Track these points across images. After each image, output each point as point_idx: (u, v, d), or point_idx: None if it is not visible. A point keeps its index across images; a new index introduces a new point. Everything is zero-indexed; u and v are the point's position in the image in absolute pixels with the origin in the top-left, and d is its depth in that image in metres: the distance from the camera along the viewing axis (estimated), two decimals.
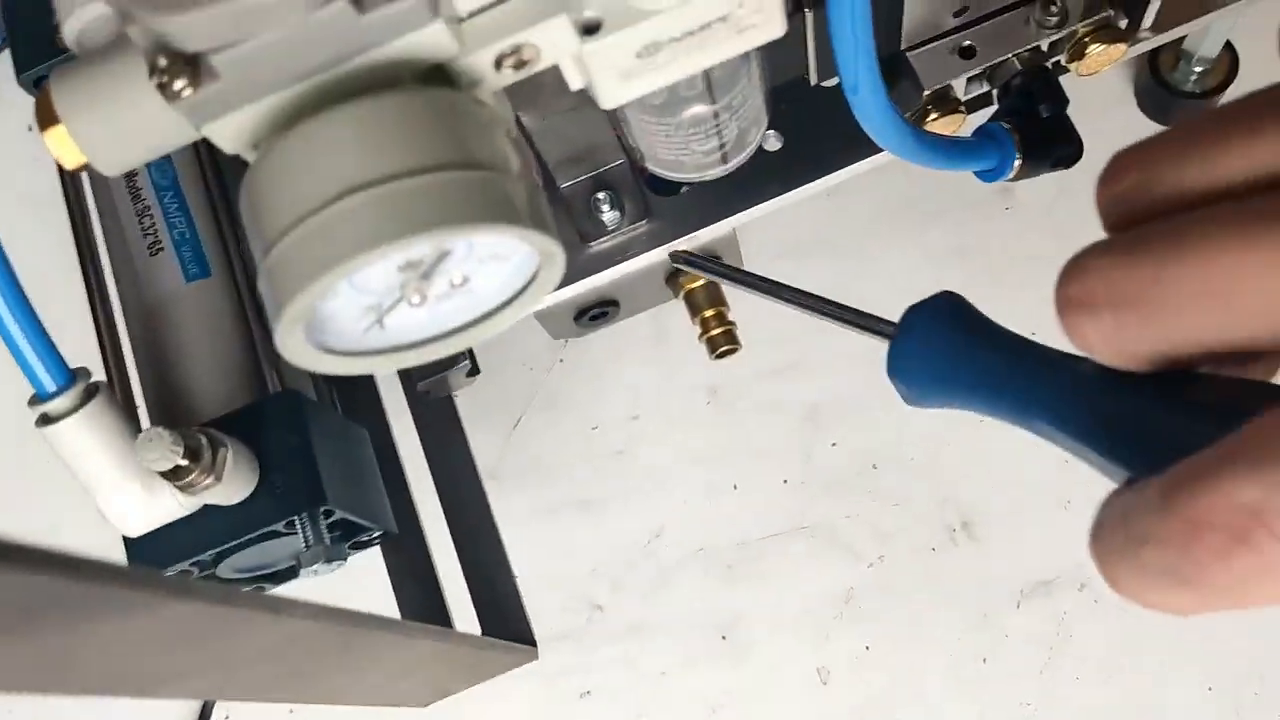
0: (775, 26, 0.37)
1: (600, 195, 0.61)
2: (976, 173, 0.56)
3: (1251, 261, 0.19)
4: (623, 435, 0.74)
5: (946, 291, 0.31)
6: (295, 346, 0.32)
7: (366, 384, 0.66)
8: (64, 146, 0.35)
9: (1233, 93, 0.72)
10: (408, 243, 0.29)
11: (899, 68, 0.59)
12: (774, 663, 0.70)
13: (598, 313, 0.67)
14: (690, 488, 0.73)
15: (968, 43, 0.58)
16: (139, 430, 0.48)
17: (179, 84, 0.31)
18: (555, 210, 0.62)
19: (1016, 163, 0.56)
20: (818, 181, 0.62)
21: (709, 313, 0.66)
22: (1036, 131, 0.57)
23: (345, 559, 0.51)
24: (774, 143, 0.61)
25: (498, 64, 0.35)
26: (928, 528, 0.70)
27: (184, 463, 0.45)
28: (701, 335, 0.67)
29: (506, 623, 0.60)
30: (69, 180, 0.58)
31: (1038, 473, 0.70)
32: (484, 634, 0.60)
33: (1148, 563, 0.20)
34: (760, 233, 0.74)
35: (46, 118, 0.35)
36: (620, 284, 0.65)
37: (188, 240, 0.53)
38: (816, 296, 0.34)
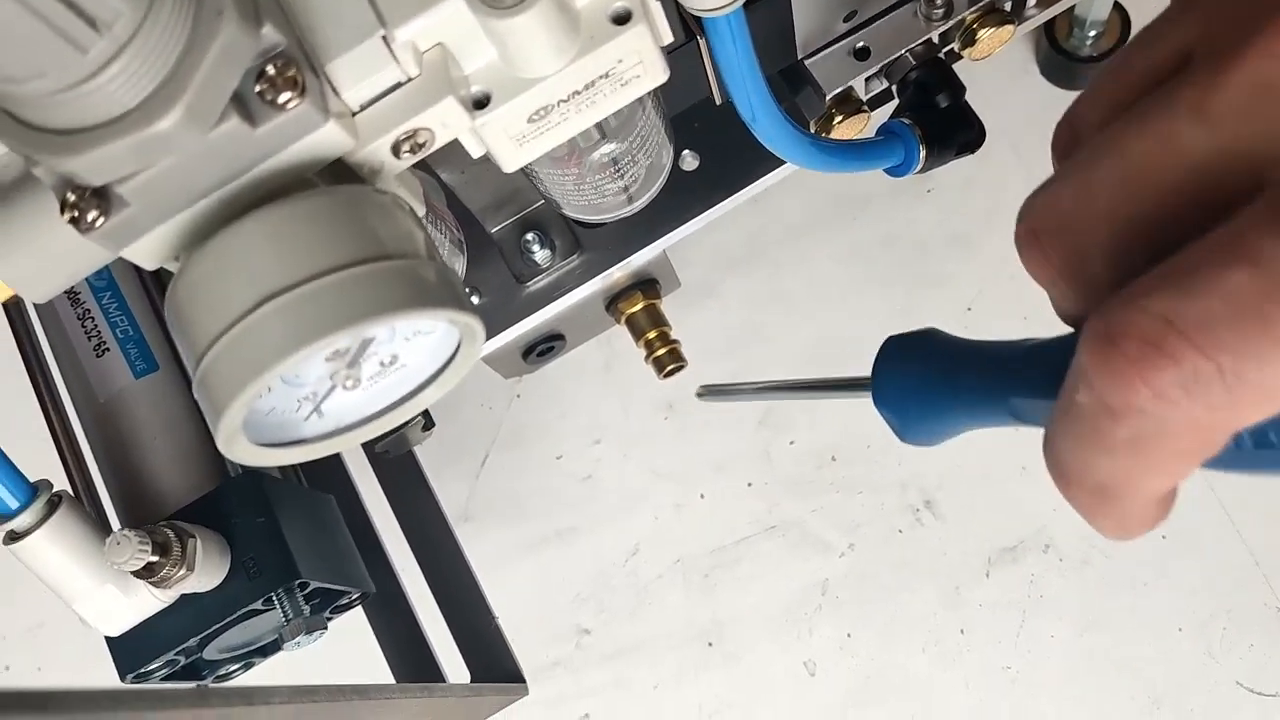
0: (658, 74, 0.39)
1: (530, 236, 0.63)
2: (886, 170, 0.58)
3: (1151, 134, 0.21)
4: (587, 461, 0.76)
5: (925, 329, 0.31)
6: (240, 449, 0.34)
7: None
8: None
9: None
10: (328, 340, 0.31)
11: (798, 76, 0.61)
12: (762, 662, 0.72)
13: (545, 348, 0.69)
14: (659, 503, 0.75)
15: (861, 44, 0.60)
16: (109, 532, 0.49)
17: (90, 215, 0.32)
18: (487, 254, 0.64)
19: (922, 155, 0.58)
20: (737, 195, 0.63)
21: (652, 334, 0.68)
22: (938, 122, 0.59)
23: (326, 627, 0.53)
24: (691, 162, 0.63)
25: (395, 150, 0.36)
26: (892, 511, 0.72)
27: (155, 559, 0.46)
28: (648, 357, 0.68)
29: (494, 665, 0.62)
30: None
31: (991, 443, 0.72)
32: (473, 679, 0.61)
33: (1079, 412, 0.20)
34: (693, 247, 0.76)
35: None
36: (562, 318, 0.67)
37: (131, 337, 0.54)
38: (807, 382, 0.36)
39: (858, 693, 0.70)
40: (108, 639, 0.50)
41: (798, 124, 0.50)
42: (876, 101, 0.63)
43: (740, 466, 0.75)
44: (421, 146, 0.37)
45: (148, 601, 0.49)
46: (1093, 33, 0.74)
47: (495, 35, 0.35)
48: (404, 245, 0.34)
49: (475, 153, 0.39)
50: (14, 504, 0.46)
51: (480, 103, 0.37)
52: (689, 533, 0.74)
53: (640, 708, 0.72)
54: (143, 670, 0.50)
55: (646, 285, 0.68)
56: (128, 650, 0.50)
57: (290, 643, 0.51)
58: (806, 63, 0.60)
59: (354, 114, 0.35)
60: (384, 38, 0.34)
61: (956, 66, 0.62)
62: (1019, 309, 0.73)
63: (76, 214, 0.32)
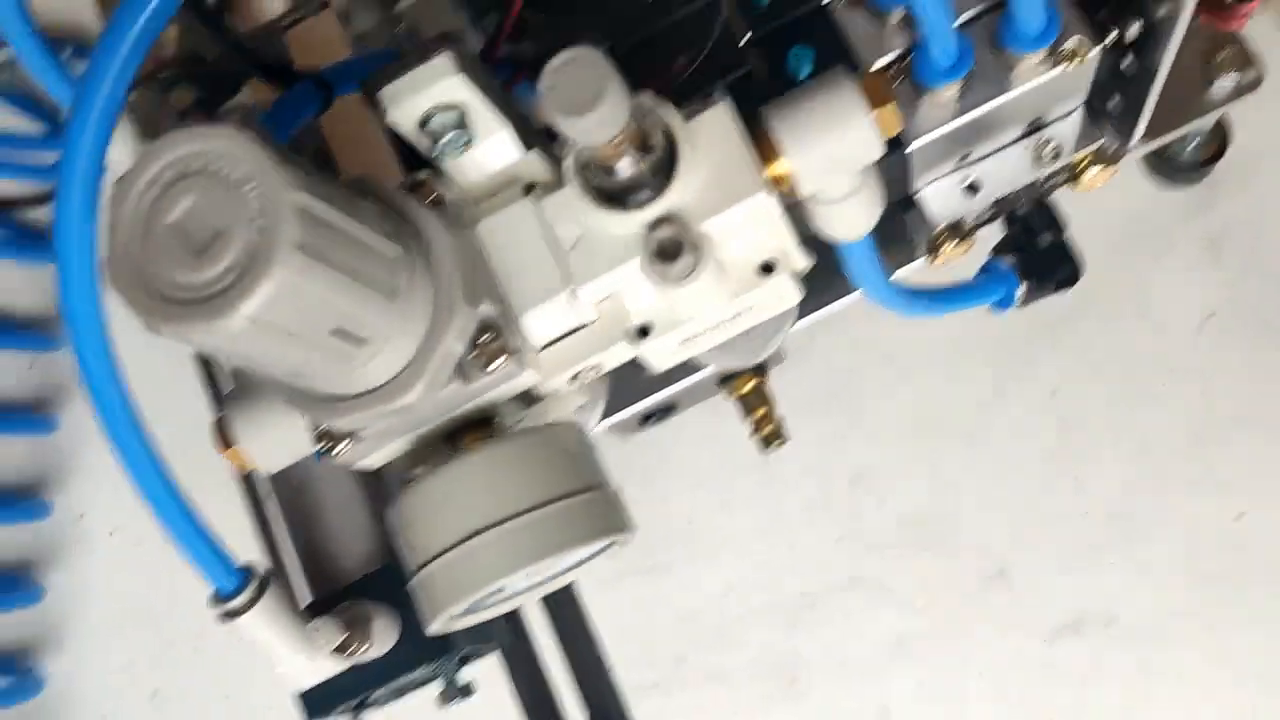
0: (795, 298, 0.45)
1: None
2: (990, 306, 0.63)
3: None
4: (689, 505, 0.84)
5: None
6: (440, 628, 0.42)
7: None
8: (238, 460, 0.45)
9: (1231, 155, 0.78)
10: (530, 569, 0.39)
11: (909, 203, 0.66)
12: (839, 702, 0.80)
13: (659, 416, 0.77)
14: (753, 549, 0.83)
15: (972, 180, 0.65)
16: (300, 602, 0.59)
17: (337, 448, 0.41)
18: None
19: (1021, 292, 0.64)
20: (849, 297, 0.69)
21: (760, 412, 0.75)
22: (1038, 259, 0.64)
23: (472, 693, 0.63)
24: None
25: (571, 379, 0.44)
26: (968, 575, 0.79)
27: (345, 636, 0.56)
28: (753, 433, 0.75)
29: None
30: (202, 362, 0.68)
31: (1068, 524, 0.78)
32: None
33: None
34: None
35: (225, 441, 0.44)
36: (679, 391, 0.74)
37: None
38: None
39: None
40: (299, 694, 0.60)
41: (908, 288, 0.56)
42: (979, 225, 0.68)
43: (830, 521, 0.82)
44: (593, 374, 0.44)
45: (333, 665, 0.58)
46: (1195, 142, 0.77)
47: (663, 295, 0.41)
48: (590, 478, 0.41)
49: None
50: (229, 587, 0.55)
51: (643, 332, 0.43)
52: (778, 578, 0.82)
53: None
54: (325, 717, 0.60)
55: (758, 366, 0.75)
56: (313, 700, 0.60)
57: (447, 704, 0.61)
58: (920, 194, 0.65)
59: (539, 350, 0.43)
60: (569, 294, 0.41)
61: None
62: (1100, 392, 0.79)
63: (325, 446, 0.41)
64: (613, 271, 0.41)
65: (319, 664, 0.58)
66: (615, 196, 0.40)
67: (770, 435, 0.75)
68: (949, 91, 0.56)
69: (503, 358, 0.39)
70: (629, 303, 0.43)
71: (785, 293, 0.44)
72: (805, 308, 0.69)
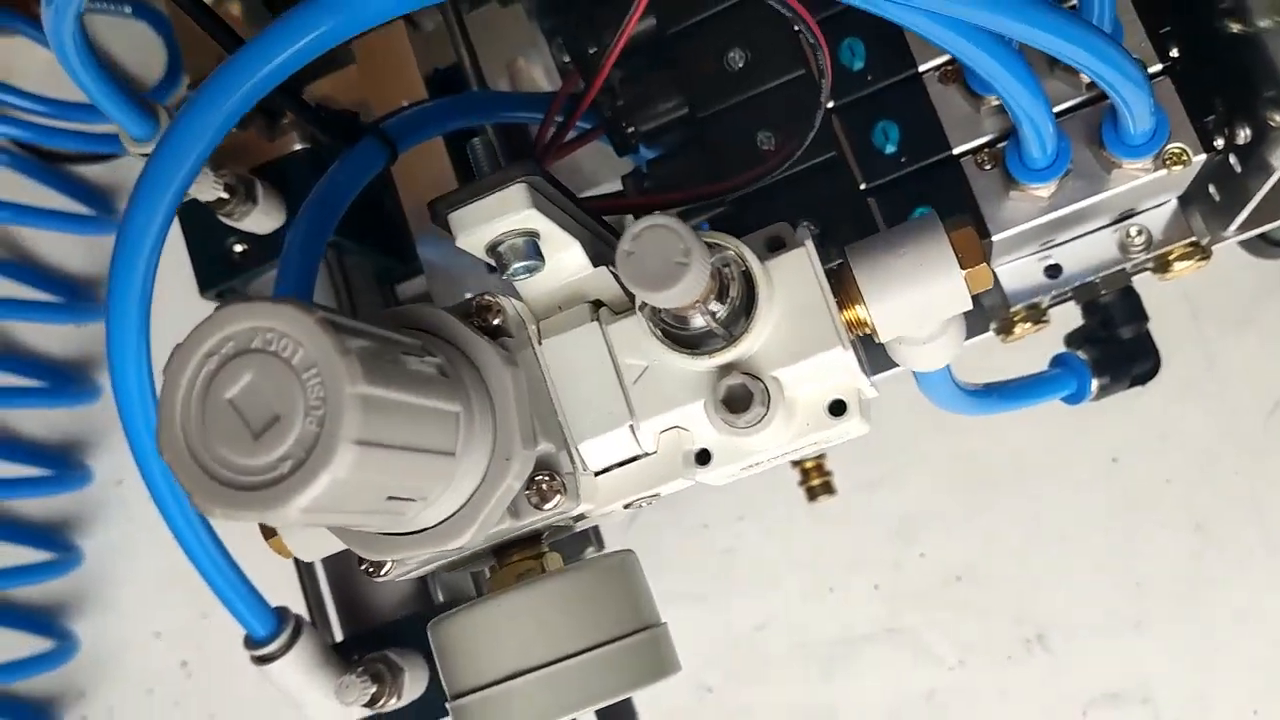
0: (862, 431, 0.43)
1: None
2: (1061, 399, 0.61)
3: None
4: (730, 535, 0.83)
5: None
6: None
7: None
8: (279, 549, 0.44)
9: None
10: (572, 715, 0.38)
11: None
12: None
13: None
14: (790, 587, 0.82)
15: (1053, 262, 0.62)
16: (330, 645, 0.59)
17: (381, 571, 0.40)
18: None
19: (1094, 387, 0.61)
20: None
21: (809, 465, 0.74)
22: (1116, 352, 0.62)
23: None
24: None
25: (625, 506, 0.42)
26: (1006, 638, 0.78)
27: (373, 691, 0.56)
28: (802, 482, 0.74)
29: None
30: None
31: (1113, 594, 0.77)
32: None
33: None
34: None
35: (267, 534, 0.44)
36: None
37: None
38: None
39: None
40: None
41: (976, 391, 0.54)
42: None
43: (870, 568, 0.81)
44: (647, 503, 0.43)
45: (358, 713, 0.58)
46: None
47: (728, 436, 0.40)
48: (640, 618, 0.40)
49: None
50: (262, 632, 0.55)
51: (702, 458, 0.42)
52: (813, 620, 0.81)
53: None
54: None
55: None
56: None
57: None
58: (998, 269, 0.62)
59: (596, 475, 0.41)
60: (631, 426, 0.40)
61: None
62: (1162, 466, 0.77)
63: (370, 569, 0.40)
64: (677, 409, 0.39)
65: (345, 711, 0.58)
66: (686, 341, 0.38)
67: (819, 488, 0.74)
68: (1043, 190, 0.54)
69: (557, 496, 0.38)
70: (690, 430, 0.41)
71: (855, 428, 0.42)
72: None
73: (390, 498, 0.32)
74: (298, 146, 0.61)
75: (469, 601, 0.39)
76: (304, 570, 0.62)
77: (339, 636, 0.62)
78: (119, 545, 0.94)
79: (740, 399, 0.38)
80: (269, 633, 0.55)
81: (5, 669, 0.86)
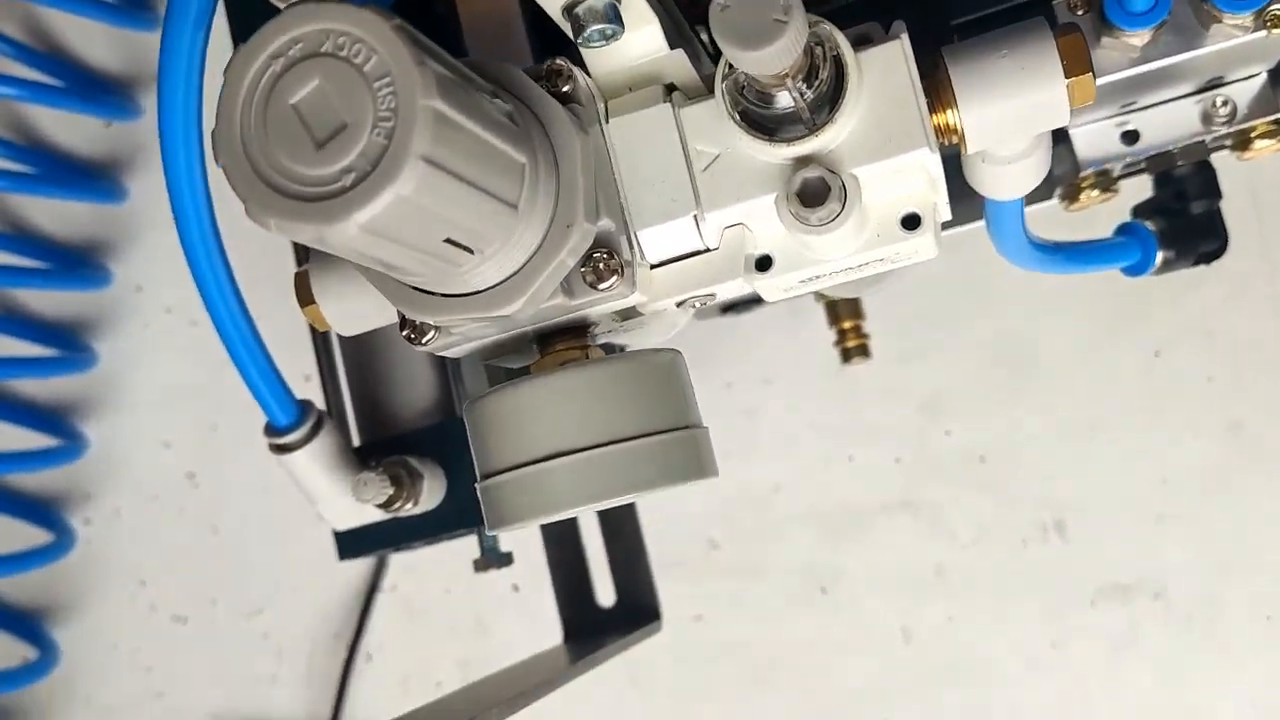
0: (930, 254, 0.41)
1: None
2: (1122, 269, 0.59)
3: None
4: (753, 396, 0.82)
5: None
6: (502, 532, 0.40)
7: None
8: (316, 318, 0.43)
9: None
10: (607, 503, 0.37)
11: (1059, 137, 0.61)
12: (863, 617, 0.79)
13: (743, 307, 0.73)
14: (810, 454, 0.81)
15: (1132, 127, 0.59)
16: (350, 445, 0.57)
17: (424, 338, 0.38)
18: None
19: (1159, 259, 0.59)
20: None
21: (847, 324, 0.72)
22: (1184, 228, 0.60)
23: (511, 562, 0.62)
24: None
25: (679, 304, 0.41)
26: (1023, 522, 0.77)
27: (390, 492, 0.55)
28: (837, 343, 0.72)
29: (640, 604, 0.70)
30: None
31: (1138, 485, 0.75)
32: (617, 602, 0.70)
33: None
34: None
35: (304, 299, 0.42)
36: None
37: None
38: None
39: (941, 671, 0.78)
40: (335, 533, 0.59)
41: (1044, 244, 0.52)
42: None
43: (893, 441, 0.79)
44: (703, 304, 0.41)
45: (374, 513, 0.58)
46: None
47: (795, 234, 0.38)
48: (683, 417, 0.39)
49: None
50: (284, 421, 0.54)
51: (763, 264, 0.40)
52: (830, 487, 0.80)
53: (747, 623, 0.81)
54: (356, 557, 0.60)
55: None
56: (349, 542, 0.59)
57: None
58: (1072, 131, 0.60)
59: (652, 267, 0.39)
60: (695, 217, 0.38)
61: None
62: (1205, 365, 0.75)
63: (410, 335, 0.38)
64: (747, 202, 0.37)
65: (361, 511, 0.57)
66: (765, 125, 0.36)
67: (855, 348, 0.72)
68: (1137, 38, 0.51)
69: (614, 277, 0.36)
70: (754, 231, 0.39)
71: (925, 248, 0.40)
72: None
73: (448, 240, 0.31)
74: None
75: (510, 380, 0.38)
76: (326, 373, 0.61)
77: (357, 442, 0.61)
78: (132, 352, 0.93)
79: (817, 192, 0.36)
80: (291, 422, 0.54)
81: (12, 459, 0.85)
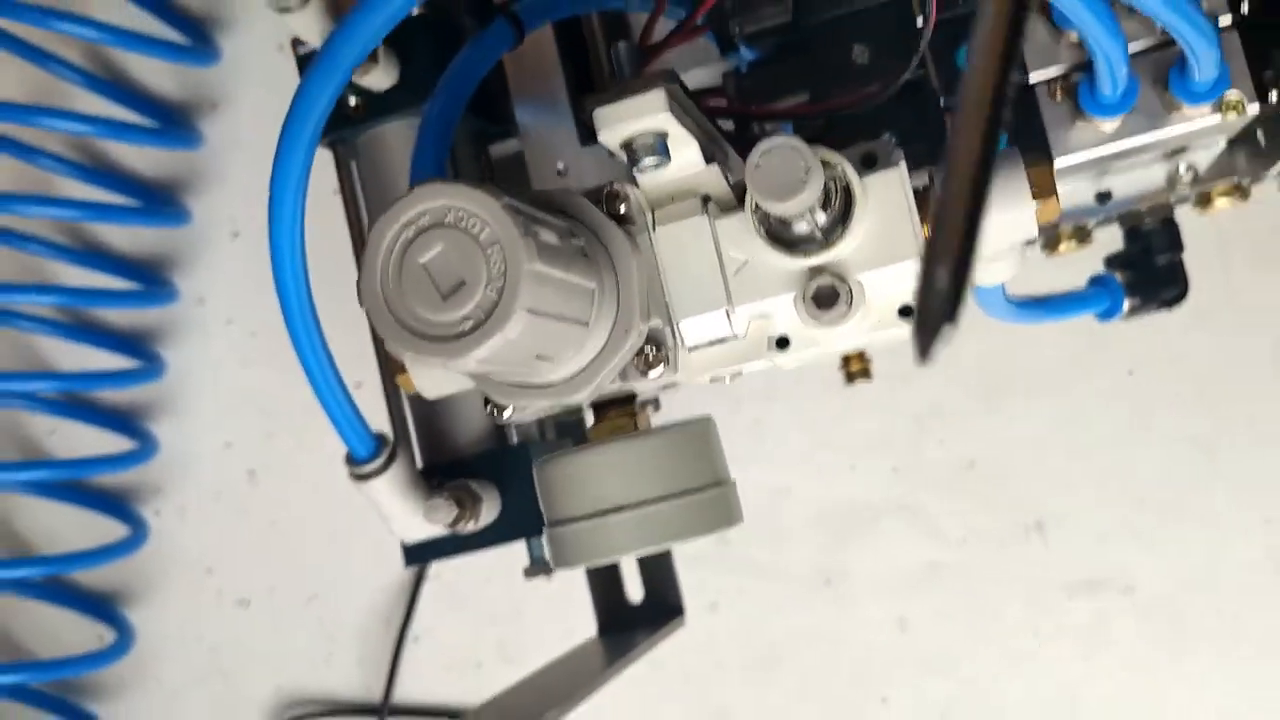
0: None
1: None
2: (1095, 315, 0.67)
3: None
4: (760, 408, 0.90)
5: None
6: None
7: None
8: (406, 384, 0.51)
9: None
10: (657, 549, 0.45)
11: None
12: (865, 607, 0.88)
13: None
14: (814, 462, 0.89)
15: (1104, 187, 0.67)
16: (418, 470, 0.66)
17: (503, 413, 0.46)
18: None
19: (1126, 307, 0.67)
20: None
21: (853, 353, 0.80)
22: (1150, 277, 0.67)
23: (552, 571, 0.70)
24: None
25: (711, 380, 0.49)
26: (1007, 523, 0.86)
27: (456, 513, 0.63)
28: (841, 367, 0.80)
29: (666, 601, 0.78)
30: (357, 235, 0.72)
31: (1111, 491, 0.84)
32: (645, 599, 0.79)
33: None
34: None
35: (397, 369, 0.50)
36: None
37: None
38: None
39: (936, 656, 0.87)
40: (403, 544, 0.67)
41: (1019, 301, 0.60)
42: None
43: (891, 451, 0.88)
44: (731, 379, 0.49)
45: (439, 530, 0.66)
46: None
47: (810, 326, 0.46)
48: (716, 474, 0.47)
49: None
50: (363, 453, 0.62)
51: (782, 343, 0.48)
52: (834, 492, 0.89)
53: (758, 613, 0.90)
54: (419, 564, 0.69)
55: None
56: (414, 551, 0.68)
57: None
58: None
59: (689, 350, 0.47)
60: (727, 311, 0.46)
61: None
62: (1175, 386, 0.83)
63: (494, 411, 0.46)
64: (769, 299, 0.45)
65: (427, 527, 0.65)
66: (785, 240, 0.44)
67: (857, 373, 0.80)
68: (1108, 124, 0.58)
69: (661, 366, 0.44)
70: (774, 319, 0.47)
71: None
72: None
73: (537, 356, 0.39)
74: (418, 11, 0.65)
75: (573, 447, 0.46)
76: (392, 404, 0.69)
77: (419, 464, 0.69)
78: (197, 360, 1.01)
79: (828, 297, 0.44)
80: (369, 454, 0.62)
81: (97, 463, 0.94)
